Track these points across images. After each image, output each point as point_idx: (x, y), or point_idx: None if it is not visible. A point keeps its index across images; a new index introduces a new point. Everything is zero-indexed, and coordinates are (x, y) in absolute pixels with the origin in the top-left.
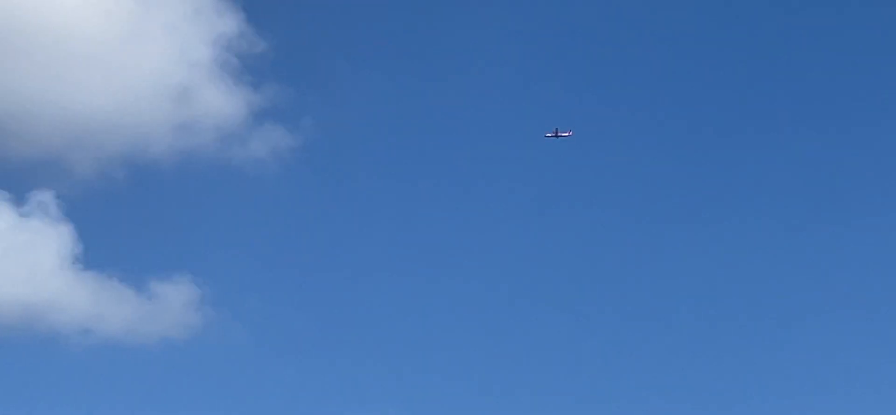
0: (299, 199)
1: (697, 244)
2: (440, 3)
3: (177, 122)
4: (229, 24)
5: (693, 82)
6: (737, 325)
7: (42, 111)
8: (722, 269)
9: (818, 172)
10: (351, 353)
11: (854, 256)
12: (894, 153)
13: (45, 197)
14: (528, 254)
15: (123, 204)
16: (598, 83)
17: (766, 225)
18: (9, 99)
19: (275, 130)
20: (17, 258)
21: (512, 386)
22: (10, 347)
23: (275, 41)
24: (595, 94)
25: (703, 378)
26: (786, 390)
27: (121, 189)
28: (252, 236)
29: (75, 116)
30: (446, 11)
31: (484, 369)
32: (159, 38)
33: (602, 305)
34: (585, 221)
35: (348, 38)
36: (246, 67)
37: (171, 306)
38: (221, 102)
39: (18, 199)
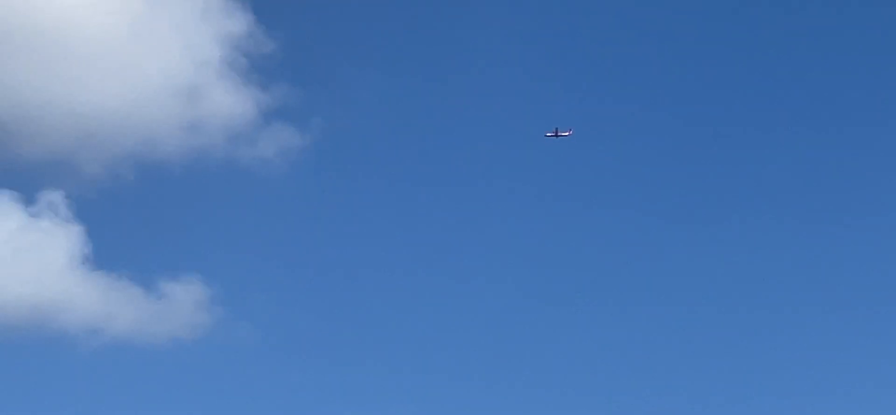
0: (308, 198)
1: (697, 244)
2: (447, 3)
3: (186, 121)
4: (238, 23)
5: (693, 82)
6: (737, 324)
7: (51, 112)
8: (722, 269)
9: (818, 172)
10: (360, 352)
11: (854, 256)
12: (894, 153)
13: (55, 197)
14: (532, 254)
15: (132, 204)
16: (598, 83)
17: (766, 225)
18: (18, 99)
19: (283, 130)
20: (26, 258)
21: (514, 387)
22: (19, 347)
23: (284, 41)
24: (595, 95)
25: (703, 377)
26: (786, 389)
27: (130, 189)
28: (261, 236)
29: (84, 117)
30: (453, 11)
31: (491, 368)
32: (168, 38)
33: (602, 305)
34: (585, 221)
35: (357, 38)
36: (255, 67)
37: (180, 306)
38: (230, 102)
39: (28, 199)
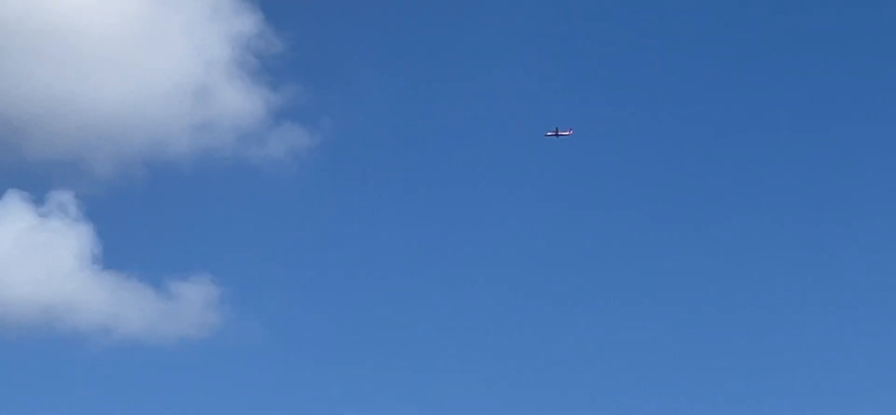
0: (318, 198)
1: (697, 244)
2: (454, 4)
3: (195, 121)
4: (248, 23)
5: (693, 82)
6: (737, 324)
7: (60, 111)
8: (722, 269)
9: (818, 172)
10: (370, 352)
11: (854, 256)
12: (894, 153)
13: (65, 197)
14: (535, 254)
15: (142, 204)
16: (598, 83)
17: (766, 225)
18: (27, 100)
19: (293, 130)
20: (36, 258)
21: (516, 386)
22: (29, 347)
23: (293, 41)
24: (595, 95)
25: (704, 377)
26: (786, 389)
27: (140, 189)
28: (271, 236)
29: (94, 116)
30: (460, 12)
31: (497, 368)
32: (178, 38)
33: (602, 305)
34: (586, 221)
35: (367, 38)
36: (264, 67)
37: (190, 306)
38: (240, 102)
39: (38, 199)
